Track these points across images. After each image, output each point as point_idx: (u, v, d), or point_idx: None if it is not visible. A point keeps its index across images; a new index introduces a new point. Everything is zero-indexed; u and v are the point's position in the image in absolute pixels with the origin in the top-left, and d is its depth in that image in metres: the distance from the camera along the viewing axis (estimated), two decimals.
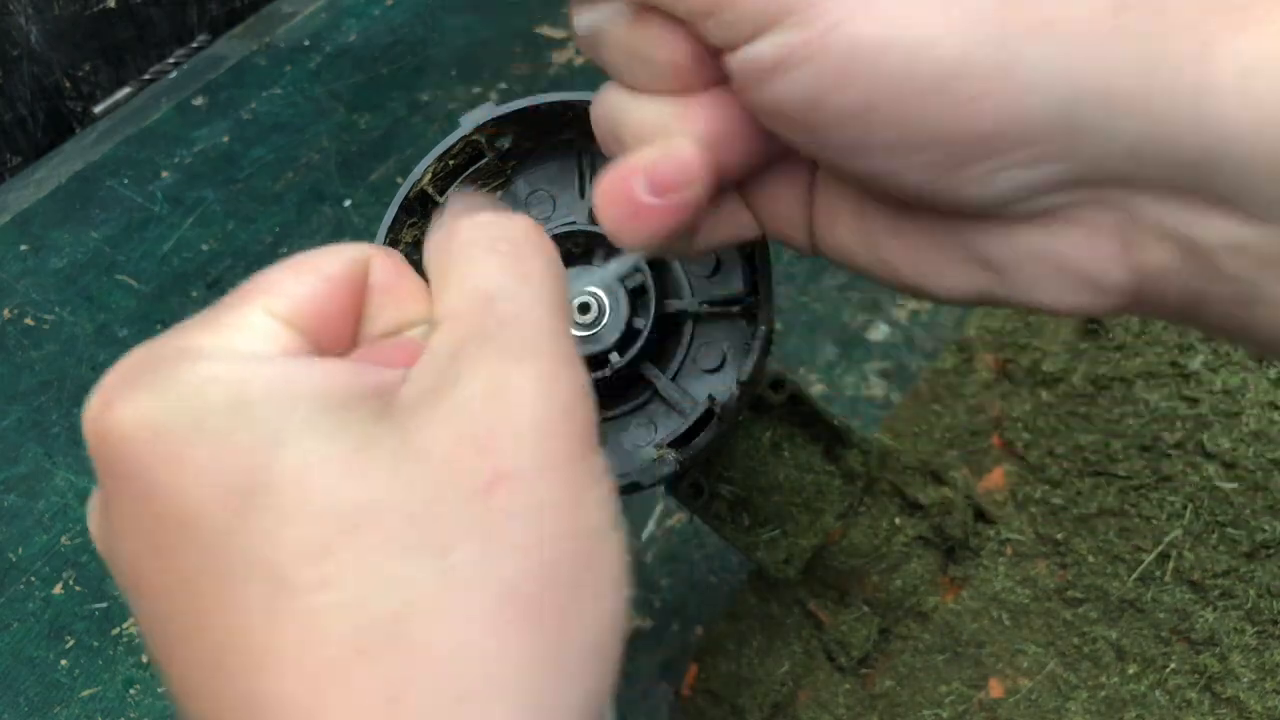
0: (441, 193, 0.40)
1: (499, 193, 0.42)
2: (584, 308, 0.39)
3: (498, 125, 0.40)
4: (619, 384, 0.41)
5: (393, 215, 0.39)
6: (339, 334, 0.27)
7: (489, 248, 0.26)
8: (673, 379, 0.41)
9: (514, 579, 0.21)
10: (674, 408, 0.40)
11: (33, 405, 0.72)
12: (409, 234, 0.40)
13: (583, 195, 0.42)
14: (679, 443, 0.39)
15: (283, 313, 0.26)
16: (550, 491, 0.22)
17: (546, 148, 0.42)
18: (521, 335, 0.24)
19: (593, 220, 0.42)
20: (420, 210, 0.40)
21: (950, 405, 0.62)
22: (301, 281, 0.27)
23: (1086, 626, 0.51)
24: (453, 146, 0.40)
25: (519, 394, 0.23)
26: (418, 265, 0.41)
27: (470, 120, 0.39)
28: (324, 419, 0.23)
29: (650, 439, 0.40)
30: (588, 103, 0.40)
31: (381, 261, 0.29)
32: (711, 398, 0.38)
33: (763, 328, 0.37)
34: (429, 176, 0.39)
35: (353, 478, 0.22)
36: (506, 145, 0.41)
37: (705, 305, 0.41)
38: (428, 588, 0.21)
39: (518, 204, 0.42)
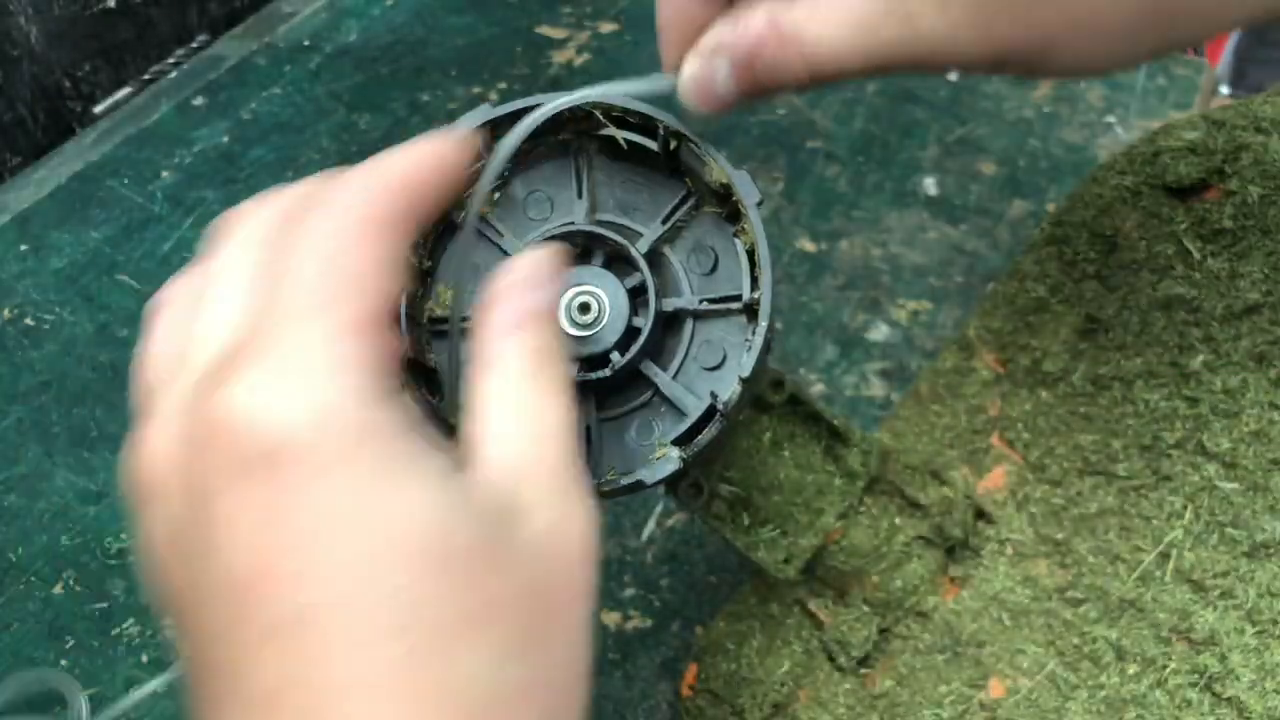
0: None
1: (496, 194, 0.42)
2: (584, 307, 0.39)
3: (494, 127, 0.40)
4: (620, 383, 0.41)
5: None
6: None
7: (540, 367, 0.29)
8: (674, 377, 0.41)
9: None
10: (676, 406, 0.40)
11: (33, 405, 0.72)
12: None
13: (580, 195, 0.42)
14: (682, 440, 0.39)
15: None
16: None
17: (543, 148, 0.42)
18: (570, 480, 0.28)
19: (590, 220, 0.42)
20: None
21: (950, 405, 0.62)
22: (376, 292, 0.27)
23: (1086, 626, 0.51)
24: None
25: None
26: (414, 267, 0.41)
27: (467, 122, 0.39)
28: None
29: (653, 437, 0.41)
30: (582, 103, 0.40)
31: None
32: (714, 395, 0.38)
33: (763, 323, 0.38)
34: None
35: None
36: None
37: (705, 303, 0.41)
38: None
39: (515, 205, 0.42)
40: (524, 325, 0.30)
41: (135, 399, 0.30)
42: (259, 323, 0.26)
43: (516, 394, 0.28)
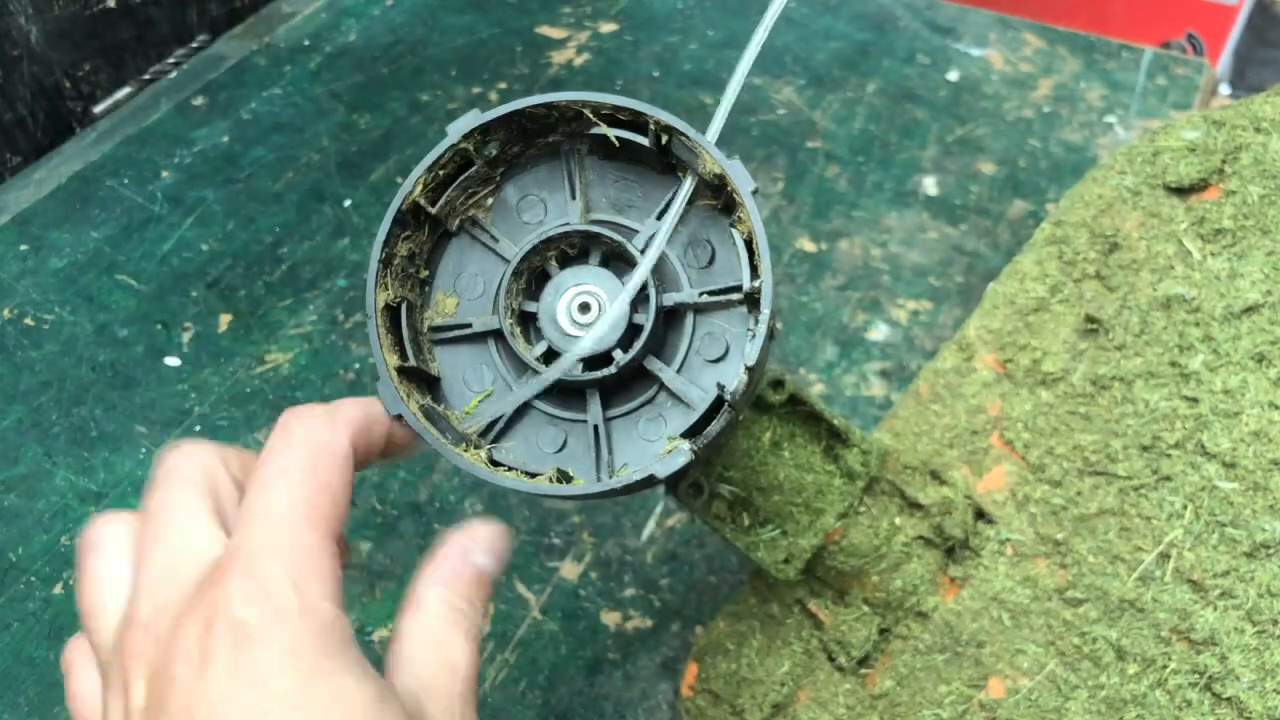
0: (434, 204, 0.40)
1: (490, 199, 0.42)
2: (584, 307, 0.39)
3: (484, 131, 0.40)
4: (625, 381, 0.41)
5: (386, 230, 0.39)
6: None
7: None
8: (678, 371, 0.41)
9: None
10: (682, 400, 0.40)
11: (33, 405, 0.72)
12: (404, 247, 0.40)
13: (573, 196, 0.42)
14: (691, 433, 0.39)
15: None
16: None
17: (534, 151, 0.42)
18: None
19: (585, 220, 0.41)
20: (414, 222, 0.40)
21: (950, 405, 0.62)
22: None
23: (1086, 626, 0.51)
24: (441, 156, 0.39)
25: None
26: (413, 277, 0.41)
27: (456, 129, 0.39)
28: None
29: (661, 432, 0.40)
30: (572, 103, 0.40)
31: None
32: (720, 385, 0.38)
33: (765, 311, 0.37)
34: (420, 188, 0.39)
35: None
36: (494, 151, 0.41)
37: (705, 295, 0.40)
38: None
39: (509, 210, 0.42)
40: (458, 581, 0.36)
41: (93, 635, 0.33)
42: (233, 545, 0.31)
43: (435, 633, 0.34)
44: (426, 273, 0.42)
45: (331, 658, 0.30)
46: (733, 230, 0.40)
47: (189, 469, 0.34)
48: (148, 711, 0.29)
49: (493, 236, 0.42)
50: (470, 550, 0.37)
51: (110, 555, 0.34)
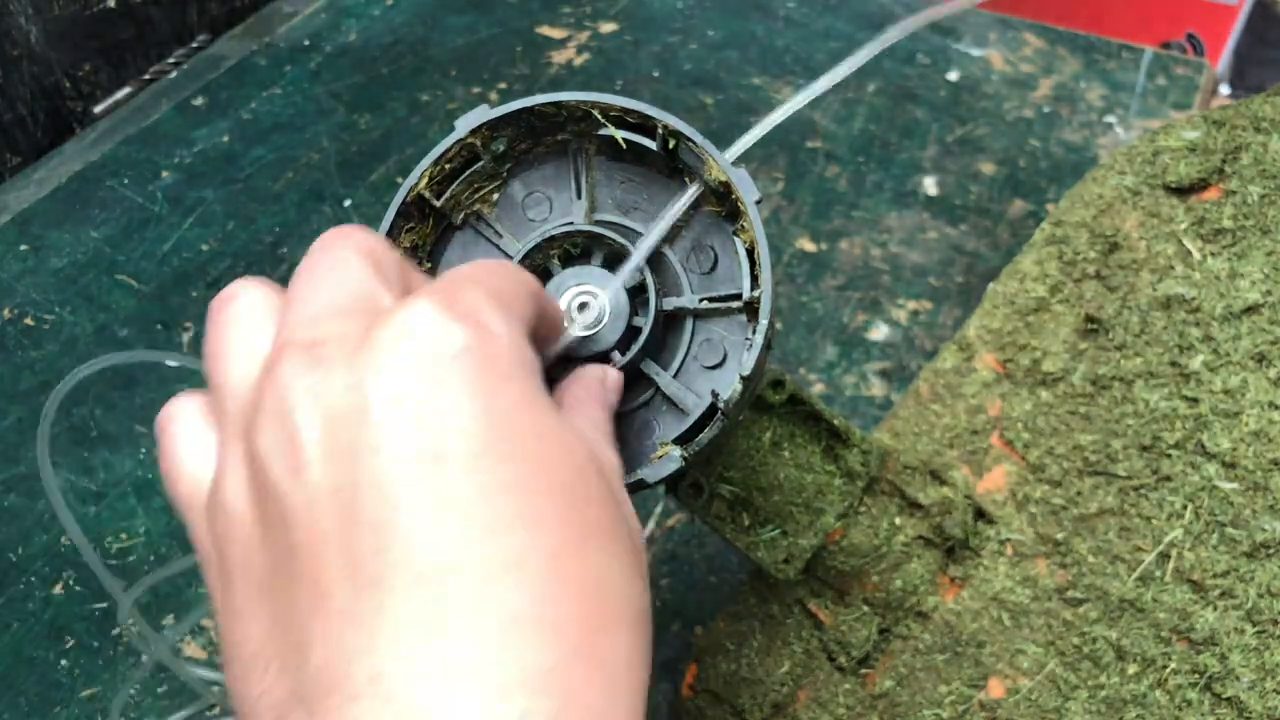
0: (439, 197, 0.40)
1: (495, 195, 0.42)
2: (584, 307, 0.39)
3: (492, 127, 0.40)
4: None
5: (390, 220, 0.39)
6: None
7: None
8: (674, 376, 0.41)
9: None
10: (677, 405, 0.40)
11: (33, 405, 0.72)
12: (406, 239, 0.40)
13: (579, 195, 0.42)
14: (683, 439, 0.39)
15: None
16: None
17: (542, 149, 0.42)
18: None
19: (589, 220, 0.42)
20: (417, 215, 0.40)
21: (950, 405, 0.62)
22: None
23: (1086, 626, 0.51)
24: (448, 150, 0.40)
25: None
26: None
27: (465, 123, 0.39)
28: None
29: (654, 436, 0.41)
30: (582, 103, 0.40)
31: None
32: (715, 393, 0.38)
33: (764, 321, 0.38)
34: (425, 180, 0.39)
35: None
36: (501, 148, 0.41)
37: (705, 301, 0.41)
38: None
39: (514, 206, 0.42)
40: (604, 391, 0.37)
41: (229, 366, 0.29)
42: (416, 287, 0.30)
43: (591, 408, 0.35)
44: (429, 265, 0.42)
45: (541, 393, 0.28)
46: (735, 238, 0.40)
47: (357, 237, 0.31)
48: (327, 448, 0.25)
49: (496, 232, 0.42)
50: (607, 377, 0.37)
51: (248, 307, 0.30)
